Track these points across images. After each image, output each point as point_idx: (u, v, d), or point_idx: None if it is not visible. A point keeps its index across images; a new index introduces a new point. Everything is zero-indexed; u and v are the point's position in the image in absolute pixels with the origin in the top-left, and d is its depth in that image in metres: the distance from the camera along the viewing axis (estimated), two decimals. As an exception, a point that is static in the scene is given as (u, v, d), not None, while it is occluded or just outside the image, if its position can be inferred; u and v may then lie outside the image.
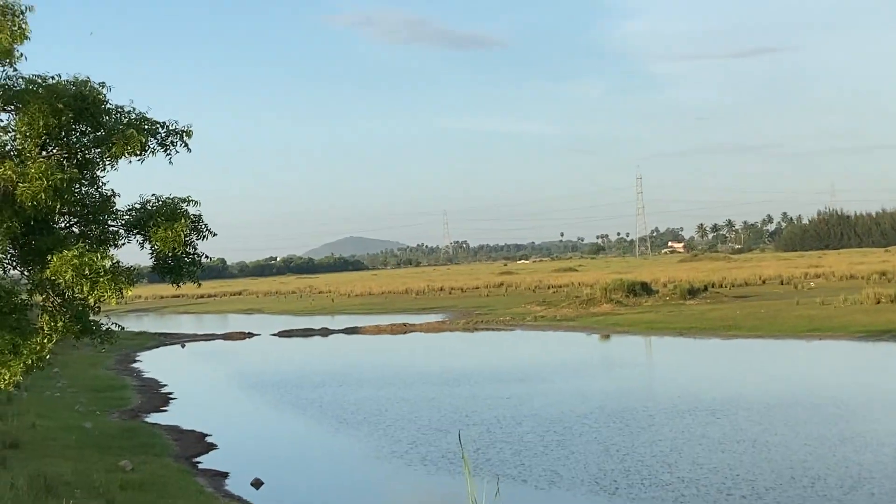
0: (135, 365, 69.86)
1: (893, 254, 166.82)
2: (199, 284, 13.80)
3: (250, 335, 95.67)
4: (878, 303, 78.64)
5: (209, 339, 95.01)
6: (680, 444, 32.88)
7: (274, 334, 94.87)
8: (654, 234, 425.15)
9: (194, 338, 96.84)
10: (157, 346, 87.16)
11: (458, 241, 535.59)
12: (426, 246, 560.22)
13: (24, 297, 11.52)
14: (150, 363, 71.44)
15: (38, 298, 11.45)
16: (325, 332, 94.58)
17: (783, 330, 70.05)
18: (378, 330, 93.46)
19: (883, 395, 42.53)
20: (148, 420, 43.87)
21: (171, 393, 53.72)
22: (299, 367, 65.77)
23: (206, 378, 63.57)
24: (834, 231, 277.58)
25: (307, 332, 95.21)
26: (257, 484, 30.15)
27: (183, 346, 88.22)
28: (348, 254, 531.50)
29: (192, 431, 40.02)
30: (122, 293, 10.94)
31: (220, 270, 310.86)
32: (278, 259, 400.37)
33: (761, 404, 39.89)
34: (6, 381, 10.93)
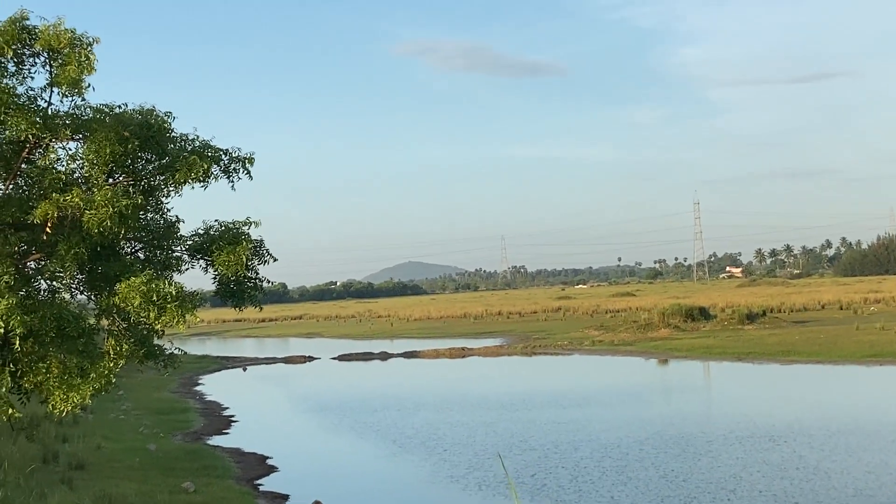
0: (197, 388, 70.44)
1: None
2: (261, 308, 13.92)
3: (310, 359, 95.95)
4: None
5: (270, 363, 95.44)
6: (739, 470, 32.51)
7: (333, 358, 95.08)
8: (712, 259, 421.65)
9: (255, 361, 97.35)
10: (220, 370, 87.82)
11: (515, 266, 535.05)
12: (484, 271, 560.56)
13: (91, 321, 11.65)
14: (213, 386, 71.96)
15: (105, 323, 11.56)
16: (384, 356, 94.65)
17: (843, 355, 69.10)
18: (436, 354, 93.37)
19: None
20: (210, 442, 44.17)
21: (232, 416, 54.07)
22: (358, 390, 65.87)
23: (268, 401, 63.88)
24: (894, 256, 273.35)
25: (366, 356, 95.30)
26: (317, 508, 30.19)
27: (245, 370, 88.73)
28: (407, 279, 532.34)
29: (254, 454, 40.23)
30: (186, 318, 11.04)
31: (280, 295, 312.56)
32: (338, 284, 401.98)
33: (822, 430, 39.33)
34: (74, 404, 11.07)
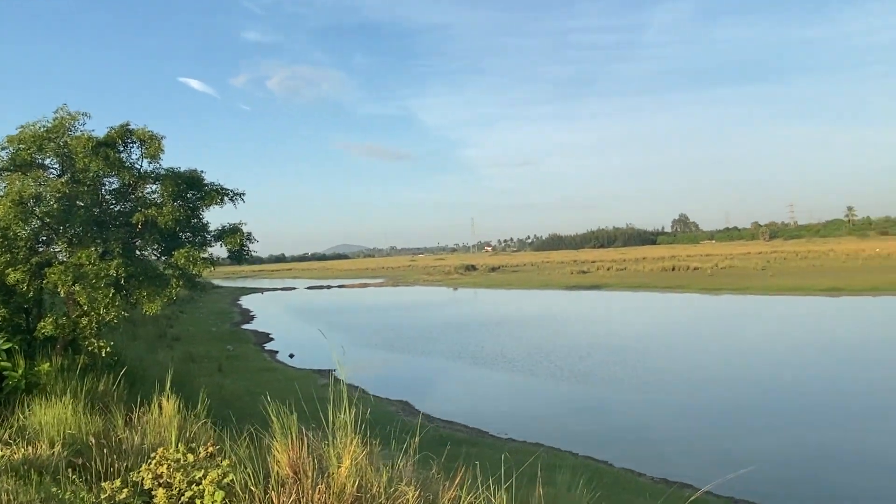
0: (238, 302, 67.54)
1: (580, 253, 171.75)
2: (249, 263, 13.28)
3: (294, 289, 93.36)
4: (572, 273, 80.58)
5: (274, 291, 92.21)
6: (485, 338, 32.76)
7: (306, 288, 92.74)
8: (479, 243, 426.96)
9: (267, 290, 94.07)
10: (250, 294, 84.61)
11: (393, 246, 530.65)
12: (376, 248, 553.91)
13: (160, 270, 10.94)
14: (246, 301, 69.17)
15: (169, 271, 10.87)
16: (329, 287, 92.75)
17: (531, 285, 71.12)
18: (353, 286, 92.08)
19: (573, 311, 43.19)
20: (243, 327, 42.39)
21: (254, 315, 52.01)
22: (315, 303, 64.43)
23: (272, 308, 61.80)
24: (556, 243, 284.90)
25: (321, 287, 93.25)
26: (291, 356, 29.38)
27: (262, 294, 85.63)
28: (342, 252, 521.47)
29: (263, 332, 38.81)
30: (210, 268, 10.53)
31: (280, 258, 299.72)
32: (309, 253, 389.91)
33: (522, 318, 40.22)
34: (155, 309, 10.34)
